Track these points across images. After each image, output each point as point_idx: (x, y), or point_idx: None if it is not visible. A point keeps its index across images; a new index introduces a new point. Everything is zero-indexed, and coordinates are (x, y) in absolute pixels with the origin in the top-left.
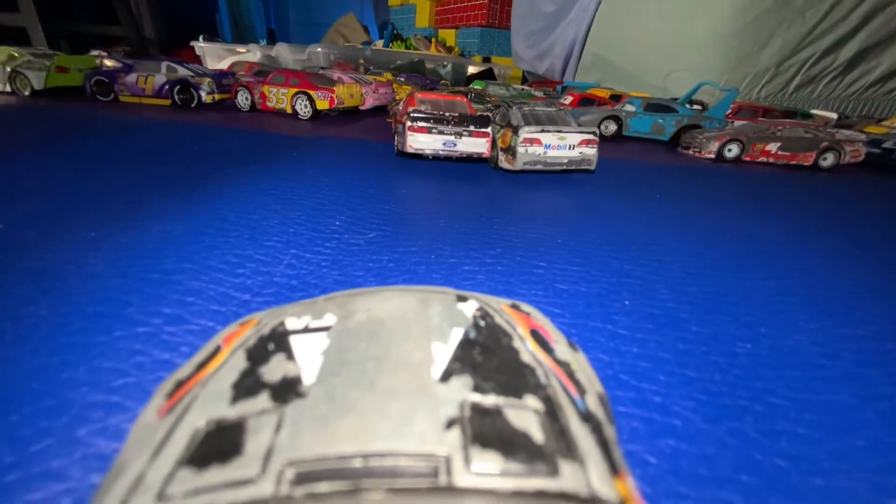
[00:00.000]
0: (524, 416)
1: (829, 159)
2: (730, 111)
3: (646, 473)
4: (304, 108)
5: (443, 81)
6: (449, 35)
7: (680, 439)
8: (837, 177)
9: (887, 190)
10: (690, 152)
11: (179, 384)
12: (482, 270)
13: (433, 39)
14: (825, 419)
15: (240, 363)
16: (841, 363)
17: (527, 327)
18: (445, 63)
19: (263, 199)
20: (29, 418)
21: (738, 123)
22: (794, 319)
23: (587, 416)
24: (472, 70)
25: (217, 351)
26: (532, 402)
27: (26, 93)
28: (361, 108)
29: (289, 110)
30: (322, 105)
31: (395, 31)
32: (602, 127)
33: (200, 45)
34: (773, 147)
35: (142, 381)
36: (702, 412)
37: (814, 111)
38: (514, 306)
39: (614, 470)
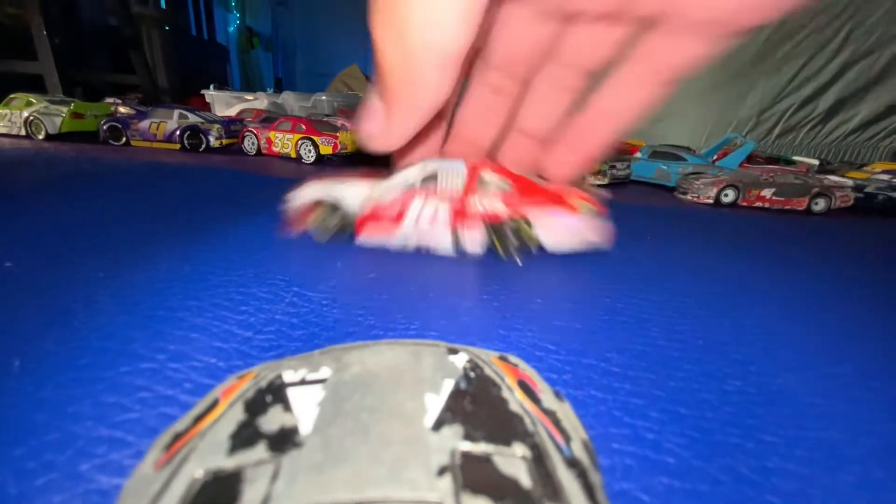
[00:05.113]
0: (513, 462)
1: (820, 204)
2: (716, 157)
3: None
4: (308, 153)
5: None
6: None
7: (673, 477)
8: (828, 221)
9: (872, 234)
10: (688, 197)
11: (177, 436)
12: (479, 305)
13: None
14: (815, 455)
15: (237, 415)
16: (829, 400)
17: (514, 378)
18: None
19: (267, 239)
20: (35, 451)
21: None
22: (782, 357)
23: (573, 462)
24: None
25: (215, 404)
26: (520, 449)
27: (40, 137)
28: (363, 152)
29: (293, 155)
30: (326, 150)
31: None
32: None
33: (211, 94)
34: (767, 193)
35: (145, 416)
36: (694, 449)
37: (795, 157)
38: (503, 358)
39: None
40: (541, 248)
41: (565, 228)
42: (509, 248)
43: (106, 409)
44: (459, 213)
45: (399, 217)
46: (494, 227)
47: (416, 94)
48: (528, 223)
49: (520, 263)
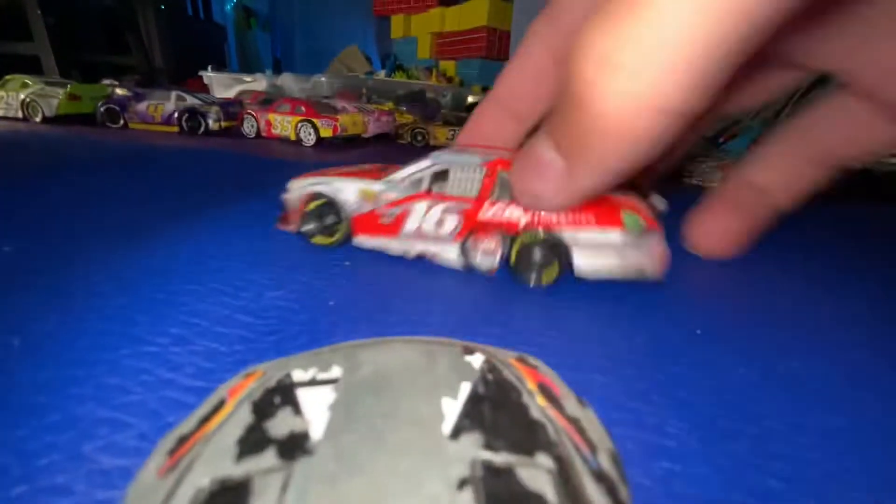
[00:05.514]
0: (537, 475)
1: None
2: (723, 139)
3: (638, 498)
4: (307, 136)
5: (443, 110)
6: (449, 66)
7: (674, 461)
8: (831, 204)
9: (876, 218)
10: (693, 181)
11: (182, 440)
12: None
13: (434, 70)
14: (817, 441)
15: (245, 417)
16: (834, 388)
17: (534, 381)
18: (445, 93)
19: (267, 223)
20: (36, 432)
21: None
22: (785, 343)
23: (601, 476)
24: (471, 99)
25: (222, 404)
26: (544, 460)
27: (37, 119)
28: (364, 135)
29: (293, 137)
30: (326, 133)
31: (396, 62)
32: None
33: (208, 75)
34: None
35: (146, 399)
36: (696, 434)
37: None
38: (521, 359)
39: None
40: (573, 273)
41: (605, 249)
42: (530, 268)
43: (107, 391)
44: (471, 220)
45: (399, 222)
46: (514, 240)
47: (622, 149)
48: (557, 238)
49: (532, 286)
